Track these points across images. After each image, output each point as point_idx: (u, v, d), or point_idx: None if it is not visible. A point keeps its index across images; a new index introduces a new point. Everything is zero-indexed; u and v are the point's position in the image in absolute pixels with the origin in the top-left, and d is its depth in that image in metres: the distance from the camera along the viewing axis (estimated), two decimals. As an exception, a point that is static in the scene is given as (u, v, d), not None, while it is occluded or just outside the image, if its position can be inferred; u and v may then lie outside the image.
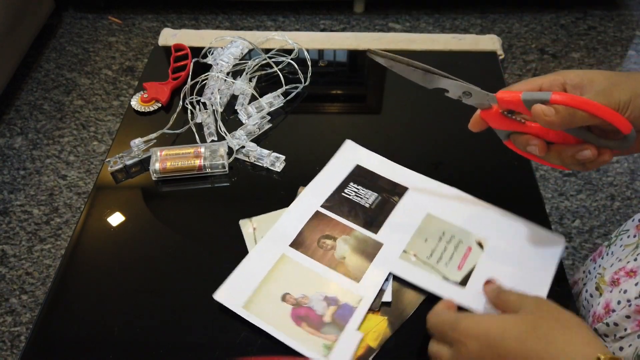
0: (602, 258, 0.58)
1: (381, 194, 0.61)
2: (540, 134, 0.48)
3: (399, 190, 0.62)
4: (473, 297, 0.51)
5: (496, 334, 0.39)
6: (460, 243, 0.57)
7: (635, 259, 0.49)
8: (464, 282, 0.53)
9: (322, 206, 0.60)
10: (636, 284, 0.48)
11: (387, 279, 0.53)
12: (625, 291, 0.49)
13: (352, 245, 0.57)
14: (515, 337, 0.38)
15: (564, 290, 0.54)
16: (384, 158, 0.66)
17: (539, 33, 2.18)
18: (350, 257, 0.55)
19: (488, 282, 0.50)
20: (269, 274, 0.53)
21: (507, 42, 2.13)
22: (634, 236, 0.53)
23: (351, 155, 0.66)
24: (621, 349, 0.47)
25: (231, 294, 0.52)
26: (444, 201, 0.61)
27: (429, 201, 0.61)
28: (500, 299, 0.45)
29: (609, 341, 0.49)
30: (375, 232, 0.58)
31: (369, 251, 0.56)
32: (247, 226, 0.58)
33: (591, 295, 0.54)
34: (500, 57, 0.84)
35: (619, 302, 0.49)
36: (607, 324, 0.49)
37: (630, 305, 0.47)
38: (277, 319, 0.50)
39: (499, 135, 0.50)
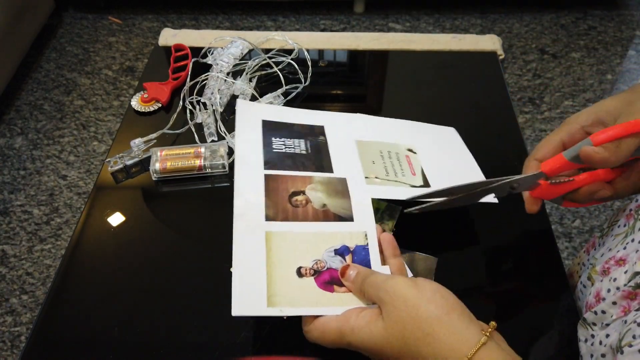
0: (595, 249, 0.58)
1: (306, 138, 0.61)
2: (594, 179, 0.48)
3: (317, 131, 0.62)
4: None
5: (378, 351, 0.41)
6: (398, 154, 0.62)
7: (625, 248, 0.50)
8: (426, 184, 0.58)
9: (265, 169, 0.56)
10: (625, 272, 0.48)
11: None
12: (614, 279, 0.49)
13: (323, 190, 0.55)
14: (393, 354, 0.41)
15: (561, 285, 0.55)
16: (279, 106, 0.68)
17: (539, 33, 2.19)
18: (330, 202, 0.53)
19: (345, 269, 0.48)
20: (268, 261, 0.48)
21: (507, 42, 2.13)
22: (624, 225, 0.53)
23: (250, 113, 0.63)
24: (607, 336, 0.47)
25: (247, 301, 0.46)
26: (359, 126, 0.65)
27: (348, 131, 0.64)
28: (365, 295, 0.45)
29: (597, 329, 0.49)
30: (331, 171, 0.57)
31: (340, 189, 0.55)
32: None
33: (584, 286, 0.55)
34: (501, 57, 0.84)
35: (608, 291, 0.49)
36: (595, 312, 0.49)
37: (619, 291, 0.47)
38: (308, 297, 0.46)
39: (555, 202, 0.51)
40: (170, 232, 0.60)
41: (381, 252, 0.50)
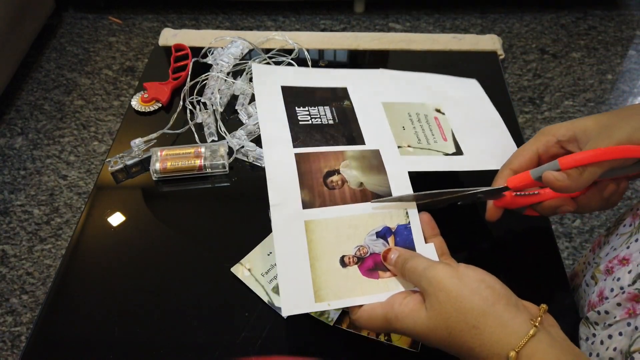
0: (600, 248, 0.58)
1: (330, 105, 0.57)
2: (558, 194, 0.50)
3: (340, 94, 0.59)
4: (474, 161, 0.55)
5: (424, 339, 0.41)
6: (427, 117, 0.59)
7: (629, 247, 0.50)
8: (459, 151, 0.56)
9: (295, 147, 0.53)
10: (629, 272, 0.48)
11: None
12: (618, 279, 0.49)
13: (358, 167, 0.52)
14: (440, 344, 0.40)
15: (561, 285, 0.55)
16: (297, 68, 0.63)
17: (539, 33, 2.18)
18: (367, 179, 0.51)
19: (387, 253, 0.47)
20: (310, 253, 0.47)
21: (507, 42, 2.13)
22: (630, 225, 0.53)
23: (269, 79, 0.59)
24: (610, 336, 0.47)
25: (295, 299, 0.45)
26: (384, 85, 0.62)
27: (373, 91, 0.60)
28: (405, 278, 0.45)
29: (599, 329, 0.49)
30: (362, 142, 0.54)
31: (375, 163, 0.53)
32: (241, 271, 0.54)
33: (587, 285, 0.55)
34: (501, 57, 0.84)
35: (612, 290, 0.49)
36: (599, 312, 0.49)
37: (623, 293, 0.47)
38: (353, 286, 0.45)
39: (518, 211, 0.52)
40: (171, 232, 0.60)
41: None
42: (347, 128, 0.56)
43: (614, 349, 0.45)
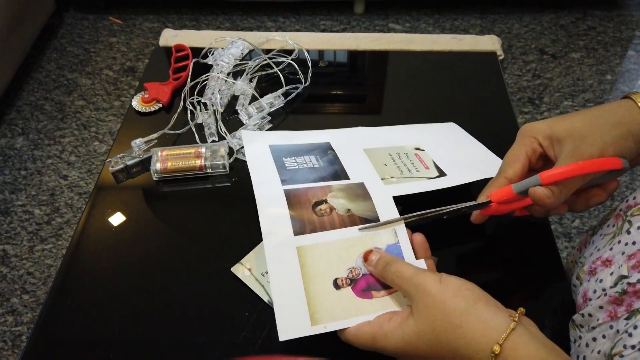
0: (585, 247, 0.58)
1: (316, 154, 0.62)
2: None
3: (324, 147, 0.64)
4: (458, 177, 0.58)
5: (412, 350, 0.42)
6: (407, 154, 0.63)
7: (611, 248, 0.50)
8: (442, 173, 0.59)
9: (284, 186, 0.56)
10: (611, 274, 0.48)
11: None
12: (601, 280, 0.49)
13: (344, 197, 0.55)
14: (429, 352, 0.42)
15: (560, 284, 0.55)
16: (281, 131, 0.68)
17: (538, 33, 2.19)
18: (353, 206, 0.54)
19: (367, 256, 0.49)
20: (304, 277, 0.49)
21: (507, 42, 2.13)
22: (613, 225, 0.53)
23: (257, 141, 0.64)
24: (594, 339, 0.47)
25: (291, 324, 0.46)
26: (364, 137, 0.66)
27: (354, 143, 0.65)
28: (387, 280, 0.47)
29: (584, 331, 0.49)
30: (347, 178, 0.58)
31: (360, 192, 0.56)
32: (241, 270, 0.55)
33: (574, 286, 0.55)
34: (500, 58, 0.84)
35: (594, 292, 0.49)
36: (583, 315, 0.49)
37: (605, 295, 0.47)
38: (347, 307, 0.47)
39: (508, 215, 0.53)
40: (171, 232, 0.60)
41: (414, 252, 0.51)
42: (332, 169, 0.60)
43: (598, 352, 0.45)
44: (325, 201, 0.55)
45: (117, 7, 2.31)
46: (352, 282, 0.49)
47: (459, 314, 0.41)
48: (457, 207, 0.51)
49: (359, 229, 0.51)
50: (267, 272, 0.54)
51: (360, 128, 0.69)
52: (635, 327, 0.43)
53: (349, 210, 0.54)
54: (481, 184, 0.54)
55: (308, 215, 0.53)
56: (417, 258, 0.50)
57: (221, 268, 0.55)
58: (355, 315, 0.47)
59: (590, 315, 0.48)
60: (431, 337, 0.41)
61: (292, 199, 0.55)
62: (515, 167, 0.50)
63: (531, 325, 0.41)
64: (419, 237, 0.51)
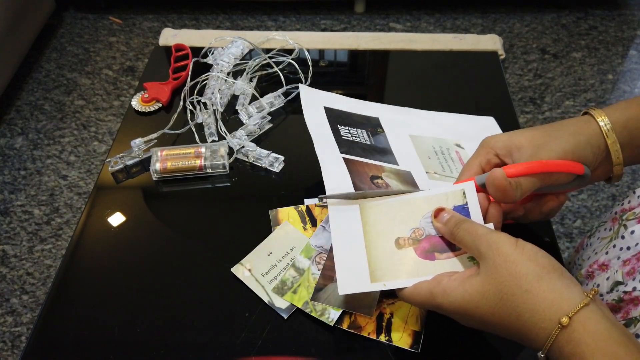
0: (583, 249, 0.58)
1: (367, 129, 0.63)
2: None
3: (374, 122, 0.65)
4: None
5: (471, 309, 0.41)
6: (448, 150, 0.64)
7: (607, 253, 0.50)
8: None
9: (341, 153, 0.57)
10: (607, 278, 0.48)
11: None
12: (598, 285, 0.49)
13: (397, 179, 0.56)
14: (490, 313, 0.40)
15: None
16: (334, 94, 0.69)
17: (540, 33, 2.18)
18: (406, 190, 0.55)
19: (438, 213, 0.48)
20: (366, 235, 0.49)
21: (508, 41, 2.13)
22: (609, 229, 0.53)
23: (313, 99, 0.65)
24: None
25: (351, 279, 0.46)
26: (411, 120, 0.67)
27: (401, 124, 0.66)
28: (458, 241, 0.46)
29: None
30: (396, 163, 0.59)
31: (409, 180, 0.57)
32: (241, 271, 0.54)
33: None
34: (501, 57, 0.84)
35: None
36: None
37: (602, 300, 0.47)
38: (409, 268, 0.46)
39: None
40: (171, 232, 0.60)
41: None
42: (382, 150, 0.61)
43: None
44: (381, 177, 0.56)
45: (117, 7, 2.30)
46: (415, 242, 0.48)
47: (530, 279, 0.39)
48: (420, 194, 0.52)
49: (318, 197, 0.51)
50: (267, 272, 0.54)
51: (407, 109, 0.70)
52: (637, 336, 0.43)
53: (402, 191, 0.55)
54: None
55: (368, 183, 0.54)
56: (485, 222, 0.48)
57: (221, 268, 0.55)
58: (416, 275, 0.46)
59: None
60: (495, 299, 0.40)
61: (351, 167, 0.56)
62: (467, 175, 0.51)
63: (605, 308, 0.39)
64: (495, 209, 0.49)
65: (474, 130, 0.69)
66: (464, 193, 0.49)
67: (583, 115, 0.50)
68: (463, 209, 0.48)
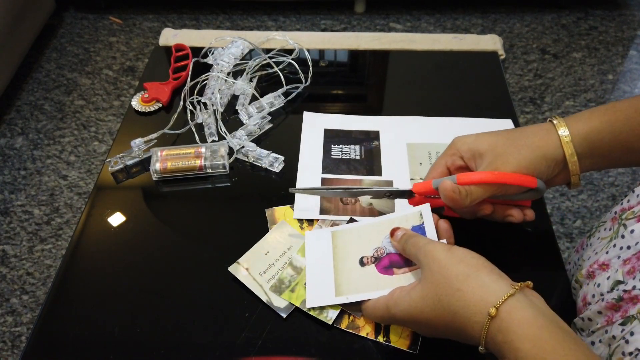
0: (584, 249, 0.58)
1: (362, 144, 0.68)
2: None
3: (373, 136, 0.69)
4: None
5: (417, 314, 0.44)
6: None
7: (607, 252, 0.50)
8: None
9: (323, 173, 0.64)
10: (608, 278, 0.48)
11: None
12: (598, 285, 0.49)
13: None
14: (432, 315, 0.43)
15: (561, 285, 0.54)
16: (342, 115, 0.73)
17: (540, 33, 2.18)
18: (376, 201, 0.61)
19: (394, 232, 0.52)
20: (335, 257, 0.54)
21: (508, 42, 2.13)
22: (609, 229, 0.53)
23: (316, 123, 0.71)
24: (592, 343, 0.47)
25: (318, 294, 0.52)
26: (413, 128, 0.70)
27: (401, 133, 0.70)
28: (405, 252, 0.50)
29: (584, 335, 0.49)
30: (380, 174, 0.64)
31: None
32: (239, 270, 0.55)
33: (574, 288, 0.55)
34: (502, 57, 0.84)
35: (593, 296, 0.49)
36: (583, 319, 0.49)
37: (602, 300, 0.47)
38: (370, 283, 0.51)
39: (437, 211, 0.55)
40: (171, 232, 0.60)
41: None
42: (369, 163, 0.66)
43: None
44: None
45: (117, 7, 2.30)
46: (377, 260, 0.52)
47: (460, 279, 0.42)
48: (381, 189, 0.56)
49: (290, 190, 0.57)
50: (264, 272, 0.54)
51: (414, 117, 0.72)
52: (632, 334, 0.43)
53: (370, 204, 0.61)
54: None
55: (335, 202, 0.61)
56: (439, 239, 0.52)
57: (221, 268, 0.55)
58: (375, 289, 0.50)
59: (590, 319, 0.48)
60: (434, 301, 0.43)
61: (326, 185, 0.63)
62: (434, 174, 0.55)
63: (535, 297, 0.42)
64: (445, 223, 0.52)
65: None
66: (420, 214, 0.53)
67: (546, 123, 0.52)
68: (420, 228, 0.52)
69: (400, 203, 0.60)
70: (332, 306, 0.51)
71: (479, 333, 0.41)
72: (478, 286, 0.42)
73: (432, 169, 0.55)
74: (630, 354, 0.42)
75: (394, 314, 0.46)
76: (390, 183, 0.63)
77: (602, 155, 0.51)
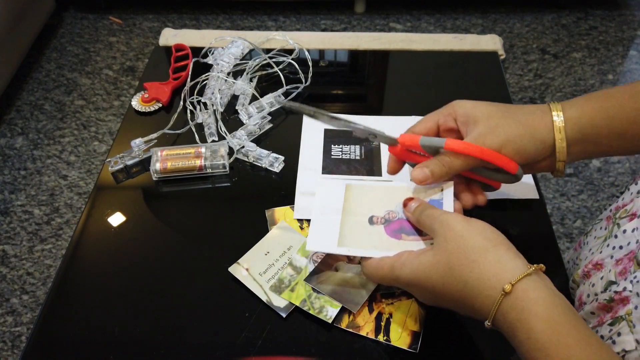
0: (581, 248, 0.58)
1: (362, 144, 0.68)
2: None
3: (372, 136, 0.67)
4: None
5: (424, 279, 0.43)
6: None
7: (601, 252, 0.50)
8: None
9: (323, 174, 0.64)
10: (601, 278, 0.48)
11: None
12: (593, 285, 0.49)
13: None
14: (440, 283, 0.43)
15: (561, 286, 0.54)
16: (342, 115, 0.70)
17: (540, 33, 2.18)
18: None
19: (407, 202, 0.51)
20: (344, 209, 0.53)
21: (508, 42, 2.13)
22: (605, 228, 0.53)
23: (316, 123, 0.68)
24: None
25: (320, 240, 0.51)
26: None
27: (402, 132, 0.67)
28: (419, 224, 0.49)
29: None
30: (380, 174, 0.64)
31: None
32: (238, 270, 0.55)
33: (572, 288, 0.55)
34: (502, 57, 0.84)
35: (588, 296, 0.49)
36: None
37: (596, 300, 0.47)
38: (375, 242, 0.50)
39: (409, 165, 0.55)
40: (171, 232, 0.60)
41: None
42: (369, 163, 0.65)
43: None
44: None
45: (117, 7, 2.30)
46: (387, 222, 0.52)
47: (477, 251, 0.41)
48: (368, 129, 0.53)
49: (286, 102, 0.55)
50: (264, 272, 0.54)
51: (414, 117, 0.71)
52: (619, 335, 0.43)
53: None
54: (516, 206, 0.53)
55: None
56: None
57: (222, 268, 0.55)
58: (380, 249, 0.49)
59: (584, 319, 0.48)
60: (445, 268, 0.42)
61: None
62: (422, 127, 0.53)
63: (548, 281, 0.41)
64: (458, 204, 0.51)
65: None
66: (442, 189, 0.52)
67: (546, 105, 0.52)
68: (438, 203, 0.51)
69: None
70: (332, 304, 0.51)
71: (489, 308, 0.40)
72: (495, 261, 0.41)
73: (421, 122, 0.54)
74: (617, 354, 0.41)
75: (398, 275, 0.45)
76: (388, 182, 0.63)
77: (593, 142, 0.50)
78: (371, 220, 0.52)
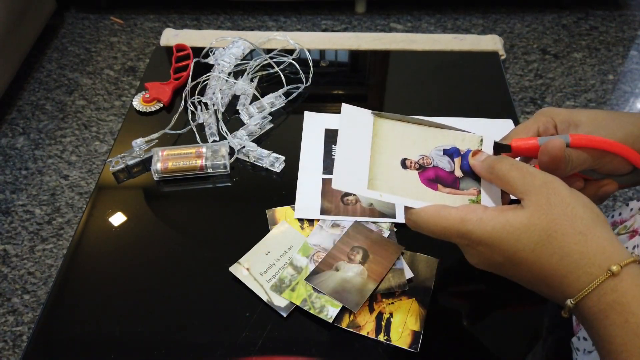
0: None
1: None
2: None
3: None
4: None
5: (510, 241, 0.39)
6: None
7: None
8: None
9: (323, 174, 0.64)
10: None
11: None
12: None
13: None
14: (529, 249, 0.38)
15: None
16: (338, 115, 0.70)
17: (540, 33, 2.18)
18: (376, 202, 0.60)
19: (475, 154, 0.46)
20: (373, 146, 0.47)
21: (508, 42, 2.13)
22: None
23: (316, 123, 0.71)
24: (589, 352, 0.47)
25: (348, 178, 0.45)
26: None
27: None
28: (498, 175, 0.43)
29: (580, 354, 0.48)
30: None
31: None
32: (239, 270, 0.55)
33: None
34: (502, 57, 0.84)
35: None
36: (579, 338, 0.48)
37: None
38: (409, 189, 0.45)
39: None
40: (172, 232, 0.60)
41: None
42: None
43: None
44: (353, 194, 0.62)
45: (118, 7, 2.31)
46: (421, 168, 0.47)
47: (586, 223, 0.38)
48: (464, 130, 0.48)
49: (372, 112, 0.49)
50: (265, 272, 0.54)
51: (414, 117, 0.69)
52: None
53: (371, 204, 0.60)
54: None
55: (336, 202, 0.61)
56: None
57: (222, 268, 0.55)
58: (414, 197, 0.44)
59: (585, 339, 0.47)
60: (542, 234, 0.38)
61: (327, 187, 0.63)
62: (522, 136, 0.48)
63: None
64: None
65: (488, 134, 0.68)
66: (481, 141, 0.47)
67: None
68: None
69: (401, 208, 0.56)
70: (332, 304, 0.51)
71: (583, 286, 0.37)
72: (603, 238, 0.37)
73: (517, 132, 0.48)
74: None
75: (470, 230, 0.40)
76: None
77: None
78: (404, 164, 0.46)
